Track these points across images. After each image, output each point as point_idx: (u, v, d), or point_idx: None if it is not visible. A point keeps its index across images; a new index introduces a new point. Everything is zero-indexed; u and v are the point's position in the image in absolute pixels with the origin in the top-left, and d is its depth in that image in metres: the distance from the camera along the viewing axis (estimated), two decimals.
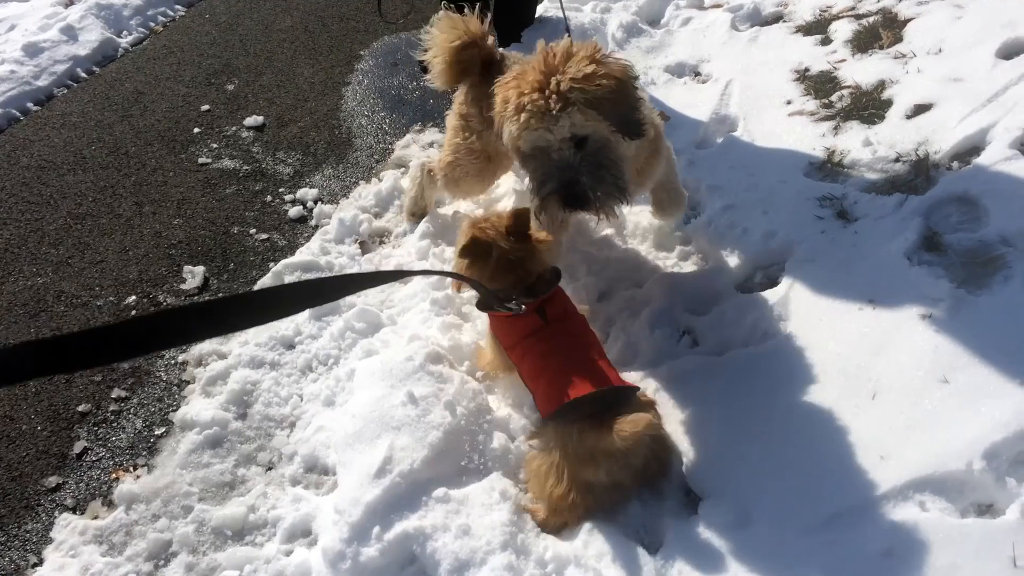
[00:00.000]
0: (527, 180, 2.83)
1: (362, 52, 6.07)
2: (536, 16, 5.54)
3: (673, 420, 3.00)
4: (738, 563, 2.55)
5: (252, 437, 3.35)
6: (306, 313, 3.76)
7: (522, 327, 2.94)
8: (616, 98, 2.59)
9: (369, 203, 4.43)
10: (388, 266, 3.98)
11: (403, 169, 4.72)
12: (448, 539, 2.71)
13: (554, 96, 2.53)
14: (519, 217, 2.90)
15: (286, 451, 3.28)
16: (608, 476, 2.67)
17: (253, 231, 4.48)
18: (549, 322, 2.90)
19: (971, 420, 2.69)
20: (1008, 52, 4.21)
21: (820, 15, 5.25)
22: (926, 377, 2.89)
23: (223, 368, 3.58)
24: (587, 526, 2.72)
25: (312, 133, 5.22)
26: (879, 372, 2.94)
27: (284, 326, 3.74)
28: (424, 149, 4.88)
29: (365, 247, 4.17)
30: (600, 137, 2.64)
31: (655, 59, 5.20)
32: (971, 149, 3.64)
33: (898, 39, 4.65)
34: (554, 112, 2.54)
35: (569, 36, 2.87)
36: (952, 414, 2.73)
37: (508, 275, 2.92)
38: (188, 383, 3.64)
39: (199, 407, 3.42)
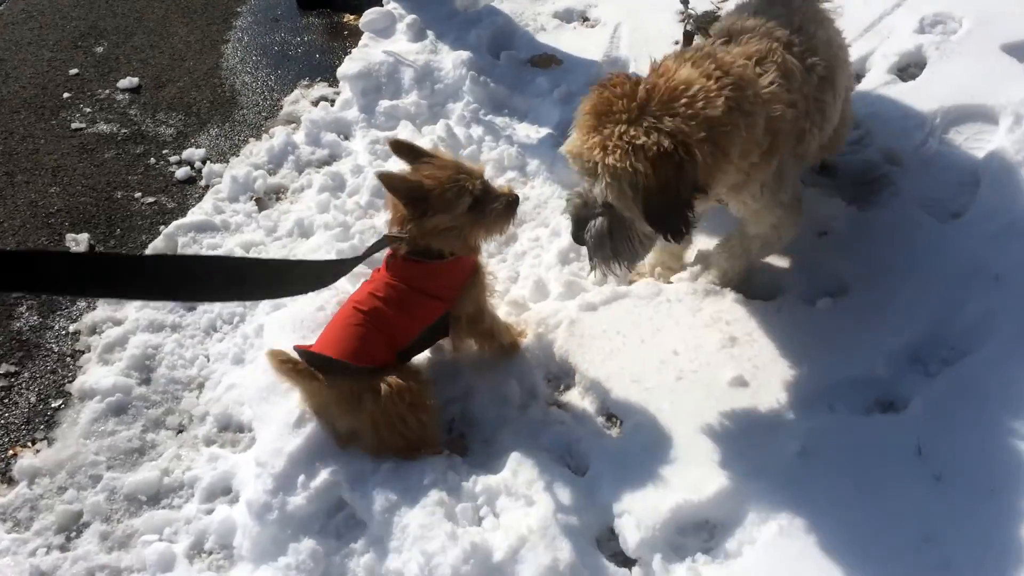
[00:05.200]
0: None
1: (239, 9, 5.83)
2: None
3: (591, 348, 3.03)
4: (663, 477, 2.62)
5: (158, 401, 3.21)
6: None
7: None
8: (656, 193, 2.27)
9: (262, 160, 4.27)
10: (287, 222, 3.85)
11: (293, 125, 4.58)
12: (378, 480, 2.67)
13: (607, 152, 2.27)
14: (411, 189, 2.65)
15: (197, 412, 3.16)
16: (344, 426, 2.79)
17: (138, 195, 4.27)
18: (388, 269, 2.81)
19: (872, 327, 2.82)
20: None
21: None
22: (827, 291, 3.02)
23: (120, 334, 3.41)
24: (515, 455, 2.73)
25: (193, 93, 5.00)
26: (784, 286, 3.05)
27: None
28: (315, 104, 4.74)
29: (262, 204, 4.03)
30: (624, 217, 2.41)
31: (543, 6, 5.18)
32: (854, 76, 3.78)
33: None
34: (597, 170, 2.32)
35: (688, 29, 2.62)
36: (853, 323, 2.87)
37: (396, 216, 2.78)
38: (82, 352, 3.45)
39: (98, 375, 3.26)
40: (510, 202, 2.76)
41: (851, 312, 2.89)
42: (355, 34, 5.33)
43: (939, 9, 4.01)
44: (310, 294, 3.28)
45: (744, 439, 2.65)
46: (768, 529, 2.41)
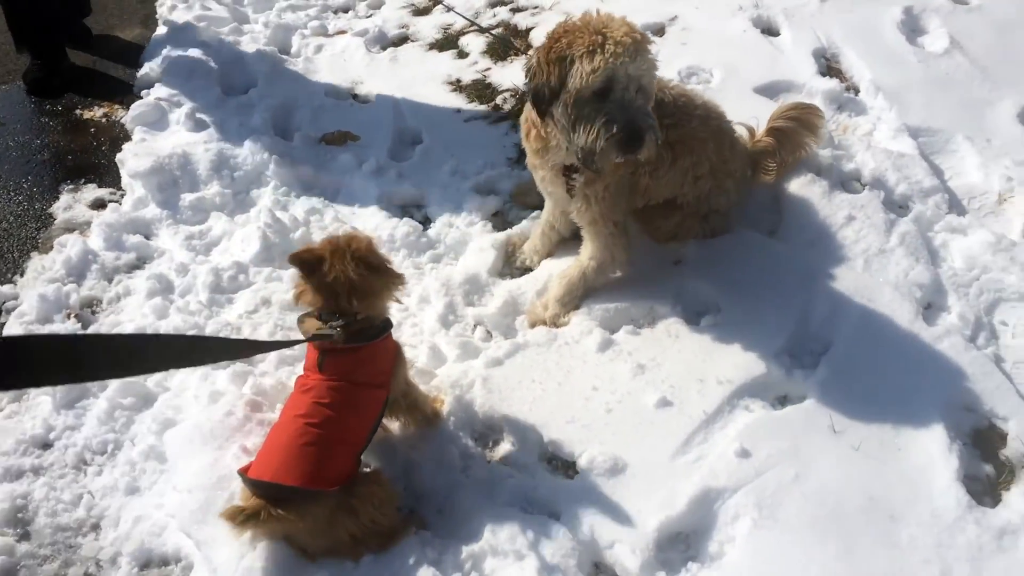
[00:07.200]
0: (573, 133, 2.86)
1: None
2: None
3: (513, 400, 3.15)
4: (632, 500, 2.82)
5: (50, 555, 2.81)
6: (48, 406, 3.21)
7: (308, 360, 2.80)
8: None
9: (60, 273, 3.84)
10: (125, 331, 3.53)
11: (78, 231, 4.17)
12: (359, 573, 2.60)
13: (631, 38, 2.72)
14: (372, 249, 2.71)
15: (104, 556, 2.80)
16: (319, 548, 2.68)
17: None
18: (322, 370, 2.69)
19: (754, 336, 3.25)
20: None
21: (445, 33, 5.67)
22: (699, 311, 3.43)
23: None
24: (482, 516, 2.78)
25: None
26: (660, 312, 3.40)
27: (28, 425, 3.15)
28: (93, 208, 4.35)
29: (83, 319, 3.64)
30: (651, 83, 2.86)
31: (309, 85, 5.20)
32: None
33: (530, 45, 5.23)
34: (638, 48, 2.72)
35: None
36: (736, 334, 3.27)
37: (328, 298, 2.68)
38: None
39: None
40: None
41: (731, 326, 3.29)
42: (104, 130, 5.00)
43: (689, 63, 4.67)
44: (199, 407, 3.09)
45: (689, 452, 2.92)
46: (742, 525, 2.69)
